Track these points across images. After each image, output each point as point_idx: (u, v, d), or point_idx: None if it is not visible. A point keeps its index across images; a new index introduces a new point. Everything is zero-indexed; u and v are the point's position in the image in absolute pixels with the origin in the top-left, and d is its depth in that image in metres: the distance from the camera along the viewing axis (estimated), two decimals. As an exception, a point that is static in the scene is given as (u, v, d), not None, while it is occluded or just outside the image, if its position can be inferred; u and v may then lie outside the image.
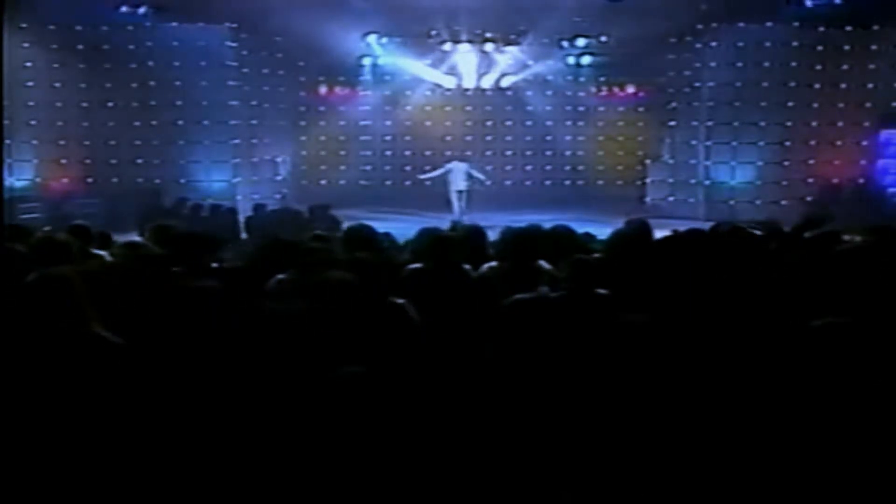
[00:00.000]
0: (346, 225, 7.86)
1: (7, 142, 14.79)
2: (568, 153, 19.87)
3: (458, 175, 16.50)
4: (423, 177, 17.37)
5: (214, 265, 4.95)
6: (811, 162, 17.16)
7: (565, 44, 18.18)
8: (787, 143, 17.14)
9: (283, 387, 2.92)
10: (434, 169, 17.22)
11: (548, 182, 19.87)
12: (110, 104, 16.51)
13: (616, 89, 19.27)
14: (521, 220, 6.34)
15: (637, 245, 4.82)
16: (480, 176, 16.76)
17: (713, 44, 16.93)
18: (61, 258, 4.55)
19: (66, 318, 3.17)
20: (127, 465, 2.85)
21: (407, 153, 19.84)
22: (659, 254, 3.83)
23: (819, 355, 3.04)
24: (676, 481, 2.82)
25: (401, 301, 3.82)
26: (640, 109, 19.27)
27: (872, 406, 2.86)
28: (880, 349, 3.04)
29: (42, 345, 3.09)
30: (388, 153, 19.91)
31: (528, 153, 20.00)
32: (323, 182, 19.35)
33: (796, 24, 16.48)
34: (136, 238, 6.66)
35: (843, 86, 16.88)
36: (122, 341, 3.23)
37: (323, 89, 19.40)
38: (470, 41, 18.32)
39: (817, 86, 16.91)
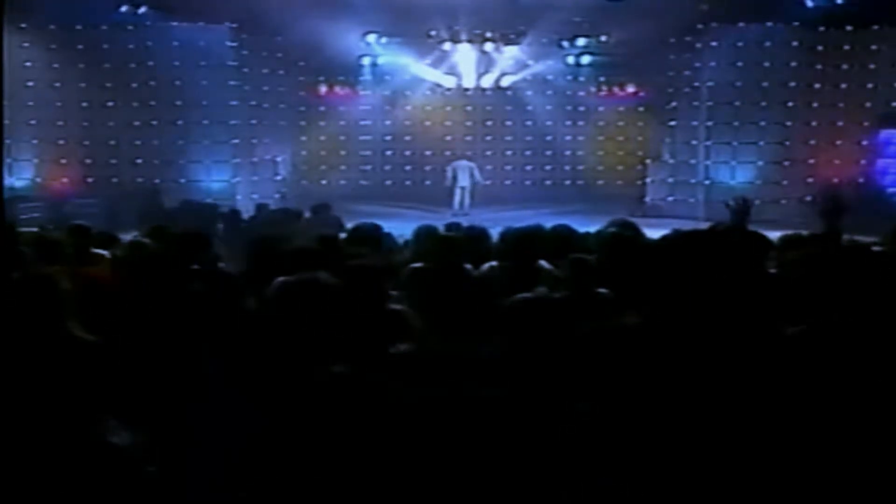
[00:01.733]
0: (349, 223, 7.89)
1: (7, 142, 14.78)
2: (568, 153, 19.86)
3: (462, 172, 17.28)
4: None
5: (209, 267, 4.94)
6: (811, 162, 17.16)
7: (565, 44, 18.19)
8: (787, 143, 17.15)
9: (271, 388, 2.92)
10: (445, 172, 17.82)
11: (548, 182, 19.87)
12: (110, 104, 16.52)
13: (616, 89, 19.25)
14: (523, 217, 6.34)
15: (628, 245, 4.82)
16: (479, 178, 17.58)
17: (713, 44, 16.93)
18: (54, 258, 4.56)
19: (44, 319, 3.17)
20: (110, 466, 2.85)
21: (407, 153, 19.84)
22: (656, 254, 3.82)
23: (806, 360, 3.05)
24: (676, 483, 2.81)
25: (399, 307, 3.82)
26: (640, 109, 19.26)
27: (868, 410, 2.86)
28: (872, 351, 3.04)
29: (17, 345, 3.08)
30: (389, 153, 19.90)
31: (528, 153, 19.99)
32: (323, 182, 19.36)
33: (796, 24, 16.48)
34: (137, 238, 6.65)
35: (843, 86, 16.89)
36: (97, 340, 3.22)
37: (323, 89, 19.39)
38: (470, 41, 18.33)
39: (817, 86, 16.93)
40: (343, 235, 6.66)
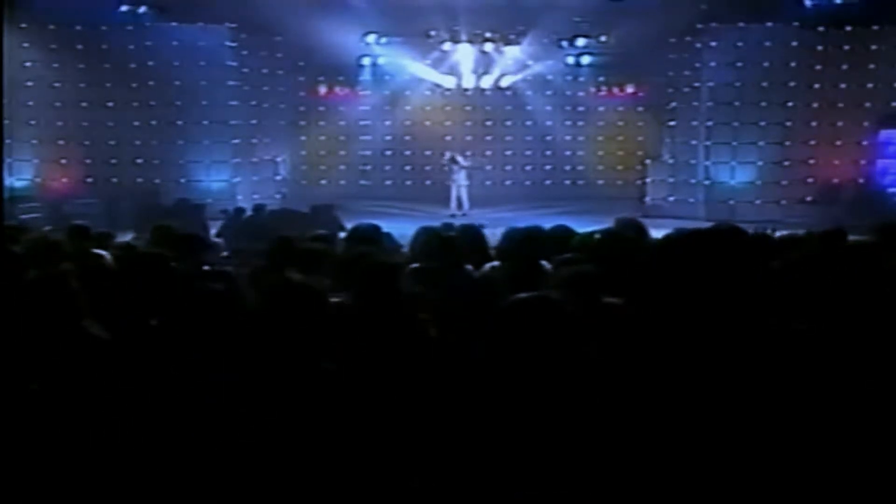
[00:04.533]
0: (349, 224, 7.93)
1: (7, 142, 14.80)
2: (568, 153, 19.86)
3: (461, 172, 17.44)
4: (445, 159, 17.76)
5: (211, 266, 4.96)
6: (811, 162, 17.16)
7: (565, 44, 18.18)
8: (787, 143, 17.15)
9: (275, 386, 2.92)
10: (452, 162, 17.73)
11: (547, 182, 19.87)
12: (110, 104, 16.52)
13: (616, 89, 19.26)
14: (523, 217, 6.34)
15: (632, 245, 4.81)
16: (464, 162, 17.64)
17: (713, 44, 16.93)
18: (55, 258, 4.56)
19: (59, 316, 3.19)
20: (114, 461, 2.85)
21: (407, 153, 19.85)
22: (658, 254, 3.82)
23: (806, 358, 3.04)
24: (674, 482, 2.81)
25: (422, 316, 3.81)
26: (640, 109, 19.26)
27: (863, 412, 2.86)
28: (868, 352, 3.04)
29: (33, 342, 3.09)
30: (388, 153, 19.90)
31: (528, 153, 20.00)
32: (323, 182, 19.36)
33: (796, 24, 16.48)
34: (134, 238, 6.68)
35: (843, 86, 16.88)
36: (111, 337, 3.24)
37: (323, 89, 19.40)
38: (469, 41, 18.33)
39: (817, 86, 16.92)
40: (342, 235, 6.68)
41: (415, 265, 4.75)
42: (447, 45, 18.43)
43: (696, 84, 17.42)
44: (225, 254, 6.97)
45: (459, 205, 17.13)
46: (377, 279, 3.76)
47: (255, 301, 3.46)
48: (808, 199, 16.67)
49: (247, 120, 17.26)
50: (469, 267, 4.77)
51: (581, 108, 19.61)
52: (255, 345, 3.07)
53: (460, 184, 17.35)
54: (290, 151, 19.27)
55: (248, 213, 13.82)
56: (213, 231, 12.49)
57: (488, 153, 19.74)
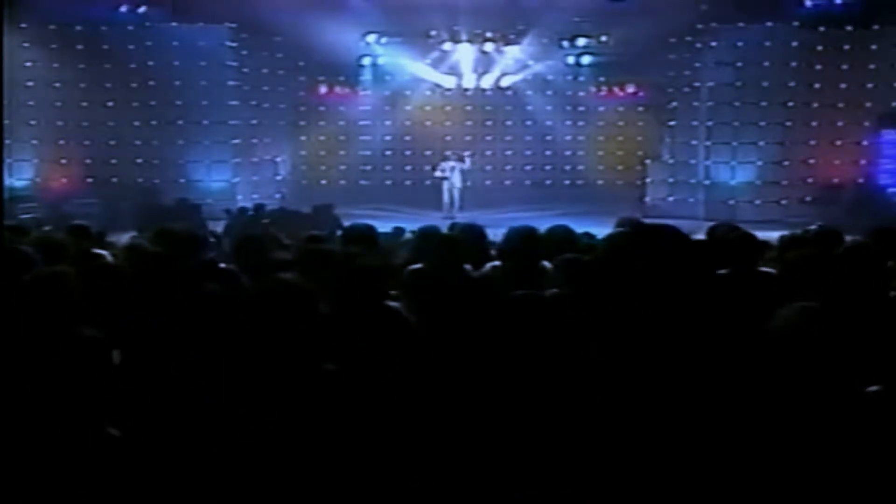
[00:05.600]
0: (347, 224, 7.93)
1: (7, 142, 14.81)
2: (568, 153, 19.84)
3: (456, 173, 17.41)
4: (437, 175, 17.66)
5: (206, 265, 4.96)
6: (811, 162, 17.17)
7: (565, 44, 18.17)
8: (787, 143, 17.16)
9: (272, 386, 2.93)
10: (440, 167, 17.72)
11: (548, 182, 19.86)
12: (110, 104, 16.53)
13: (616, 89, 19.23)
14: (523, 217, 6.33)
15: (639, 245, 4.80)
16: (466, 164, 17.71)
17: (713, 44, 16.93)
18: (58, 258, 4.56)
19: (54, 317, 3.19)
20: (113, 461, 2.86)
21: (407, 153, 19.83)
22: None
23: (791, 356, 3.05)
24: (674, 481, 2.81)
25: (395, 305, 3.83)
26: (640, 109, 19.23)
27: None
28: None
29: (28, 343, 3.09)
30: (388, 153, 19.88)
31: (528, 153, 19.96)
32: (323, 182, 19.35)
33: (796, 24, 16.48)
34: (135, 238, 6.67)
35: (843, 86, 16.88)
36: (106, 337, 3.24)
37: (323, 89, 19.37)
38: (470, 41, 18.32)
39: (817, 86, 16.92)
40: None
41: (414, 266, 4.75)
42: (447, 45, 18.41)
43: (696, 84, 17.43)
44: (213, 253, 6.95)
45: (451, 205, 17.18)
46: (359, 282, 3.77)
47: (250, 300, 3.47)
48: (808, 199, 16.69)
49: (247, 120, 17.27)
50: (469, 267, 4.77)
51: (581, 108, 19.58)
52: (255, 344, 3.07)
53: (454, 185, 17.37)
54: (290, 151, 19.26)
55: (251, 212, 13.86)
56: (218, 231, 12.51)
57: (488, 153, 19.70)
